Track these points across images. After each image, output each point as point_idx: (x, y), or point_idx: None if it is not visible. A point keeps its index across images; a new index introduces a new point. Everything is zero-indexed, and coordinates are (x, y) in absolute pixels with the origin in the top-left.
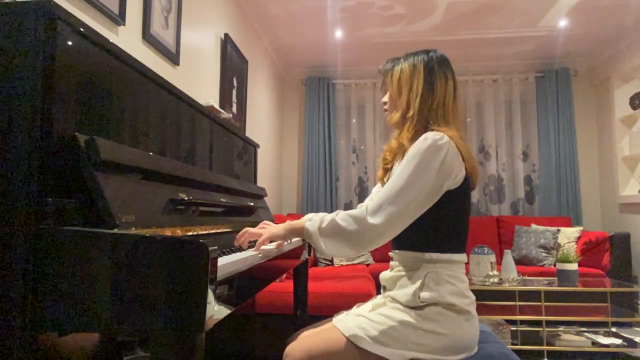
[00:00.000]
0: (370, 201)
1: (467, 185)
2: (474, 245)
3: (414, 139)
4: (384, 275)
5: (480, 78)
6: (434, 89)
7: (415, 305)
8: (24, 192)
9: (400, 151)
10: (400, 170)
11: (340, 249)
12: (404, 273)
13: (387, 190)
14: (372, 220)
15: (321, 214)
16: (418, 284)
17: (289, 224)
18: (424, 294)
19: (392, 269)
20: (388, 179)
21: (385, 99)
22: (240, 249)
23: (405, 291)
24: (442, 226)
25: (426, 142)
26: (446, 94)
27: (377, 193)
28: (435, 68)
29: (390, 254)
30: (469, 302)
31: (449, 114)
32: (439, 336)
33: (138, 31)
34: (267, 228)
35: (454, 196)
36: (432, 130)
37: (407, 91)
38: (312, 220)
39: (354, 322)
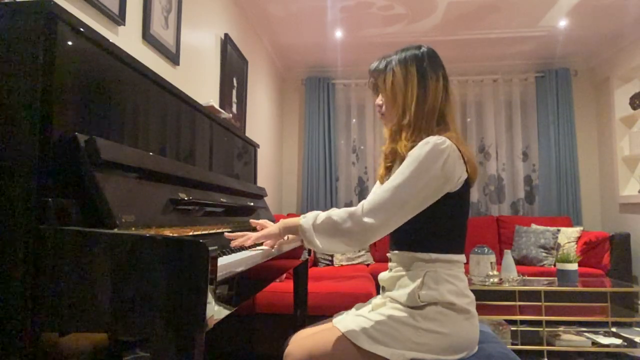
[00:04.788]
0: (367, 200)
1: (467, 186)
2: (474, 245)
3: (413, 146)
4: (383, 276)
5: (480, 78)
6: (427, 92)
7: (415, 305)
8: (24, 192)
9: (399, 155)
10: (400, 172)
11: (334, 245)
12: (403, 273)
13: (384, 191)
14: (366, 219)
15: (316, 212)
16: (417, 283)
17: (283, 222)
18: (424, 293)
19: (391, 269)
20: (388, 179)
21: (379, 101)
22: (240, 249)
23: (405, 291)
24: (441, 226)
25: (427, 146)
26: (438, 95)
27: (374, 191)
28: (427, 69)
29: (388, 254)
30: (469, 301)
31: (446, 115)
32: (439, 335)
33: (138, 31)
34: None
35: (454, 197)
36: (433, 133)
37: (402, 97)
38: (307, 217)
39: (354, 322)
